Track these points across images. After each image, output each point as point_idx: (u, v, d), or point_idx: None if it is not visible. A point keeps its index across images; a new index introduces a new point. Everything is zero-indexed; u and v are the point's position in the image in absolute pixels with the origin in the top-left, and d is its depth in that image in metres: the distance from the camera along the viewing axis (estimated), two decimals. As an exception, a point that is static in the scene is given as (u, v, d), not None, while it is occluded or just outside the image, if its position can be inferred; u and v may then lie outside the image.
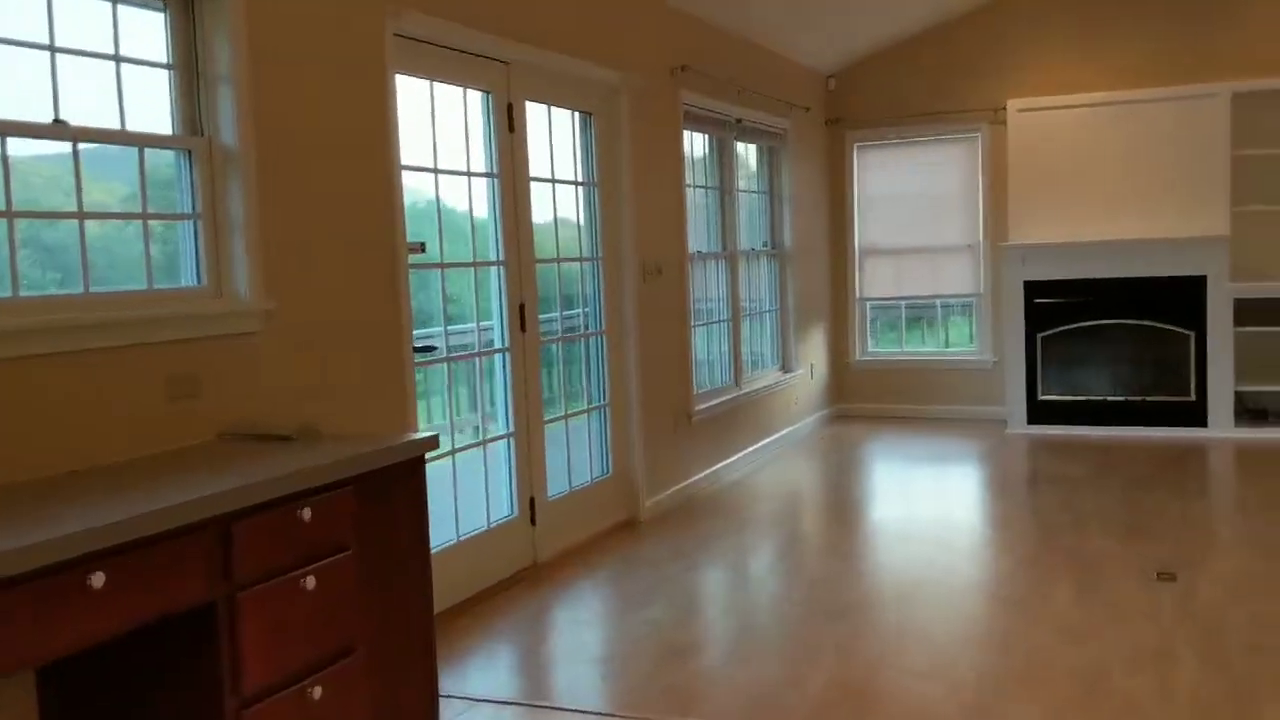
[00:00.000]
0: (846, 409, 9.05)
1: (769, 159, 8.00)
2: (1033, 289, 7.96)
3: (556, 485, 5.25)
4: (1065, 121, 8.04)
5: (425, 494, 3.10)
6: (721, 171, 7.16)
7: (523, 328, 4.94)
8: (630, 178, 5.73)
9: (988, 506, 6.04)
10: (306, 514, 2.60)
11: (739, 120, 7.21)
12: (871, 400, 8.98)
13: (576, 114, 5.50)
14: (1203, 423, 7.58)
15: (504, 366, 4.88)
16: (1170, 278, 7.61)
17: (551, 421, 5.21)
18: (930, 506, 6.05)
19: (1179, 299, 7.59)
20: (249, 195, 3.34)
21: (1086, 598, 4.29)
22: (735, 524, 5.69)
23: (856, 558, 5.05)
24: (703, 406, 6.58)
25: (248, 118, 3.33)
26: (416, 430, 4.08)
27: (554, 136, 5.30)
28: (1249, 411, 7.65)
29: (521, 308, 4.93)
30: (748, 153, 7.72)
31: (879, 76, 8.74)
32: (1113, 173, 7.94)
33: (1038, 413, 8.01)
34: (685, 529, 5.62)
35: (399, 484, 3.00)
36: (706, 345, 6.94)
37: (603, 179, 5.63)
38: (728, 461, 6.92)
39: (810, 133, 8.61)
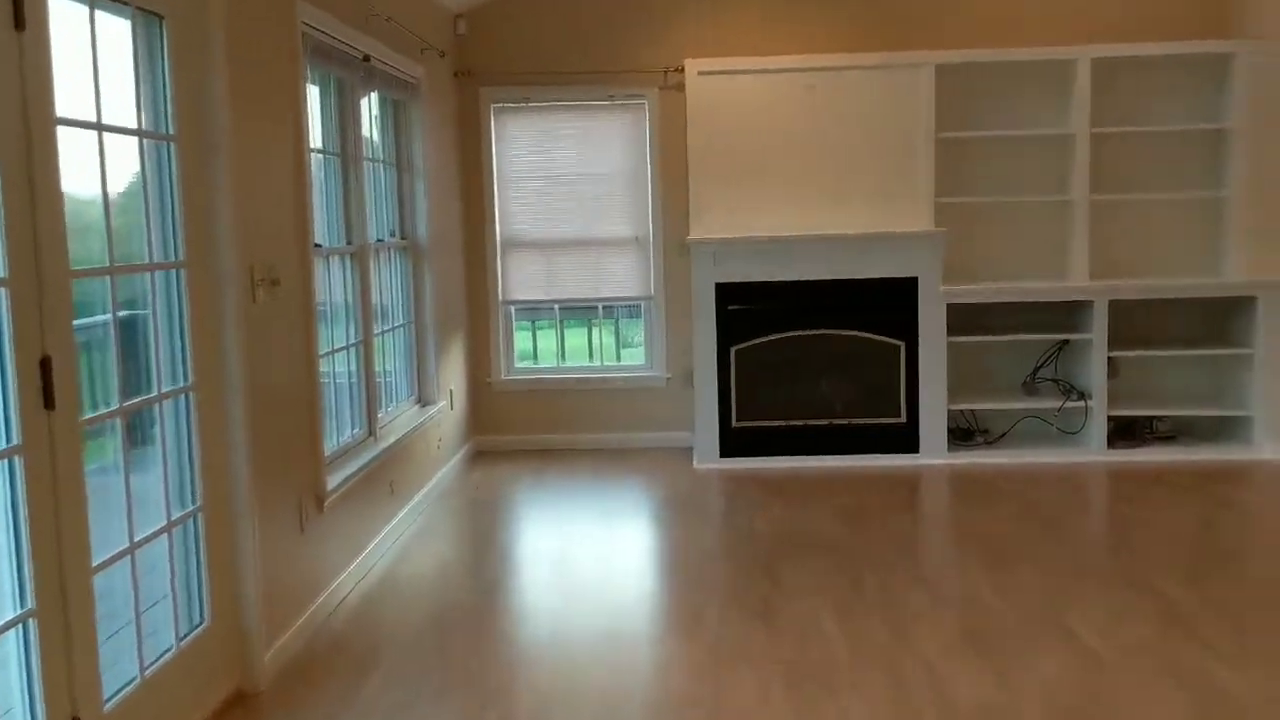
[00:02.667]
0: (490, 443, 7.22)
1: (396, 117, 5.96)
2: (725, 293, 6.57)
3: (116, 677, 3.00)
4: (755, 90, 6.72)
5: None
6: (345, 131, 5.05)
7: (49, 403, 2.65)
8: (229, 127, 3.53)
9: (672, 595, 4.47)
10: None
11: (368, 58, 5.12)
12: (521, 430, 7.22)
13: (137, 14, 3.21)
14: (914, 448, 6.59)
15: (9, 485, 2.57)
16: (880, 280, 6.53)
17: (104, 566, 2.93)
18: (599, 603, 4.36)
19: (889, 304, 6.53)
20: None
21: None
22: (381, 670, 3.70)
23: (512, 698, 3.29)
24: (337, 479, 4.49)
25: None
26: None
27: (99, 51, 3.00)
28: (955, 431, 6.78)
29: (46, 366, 2.63)
30: (371, 108, 5.63)
31: (521, 19, 6.96)
32: (812, 154, 6.74)
33: (732, 442, 6.65)
34: (320, 693, 3.56)
35: None
36: (332, 384, 4.83)
37: (183, 128, 3.38)
38: (369, 549, 4.87)
39: (444, 87, 6.65)
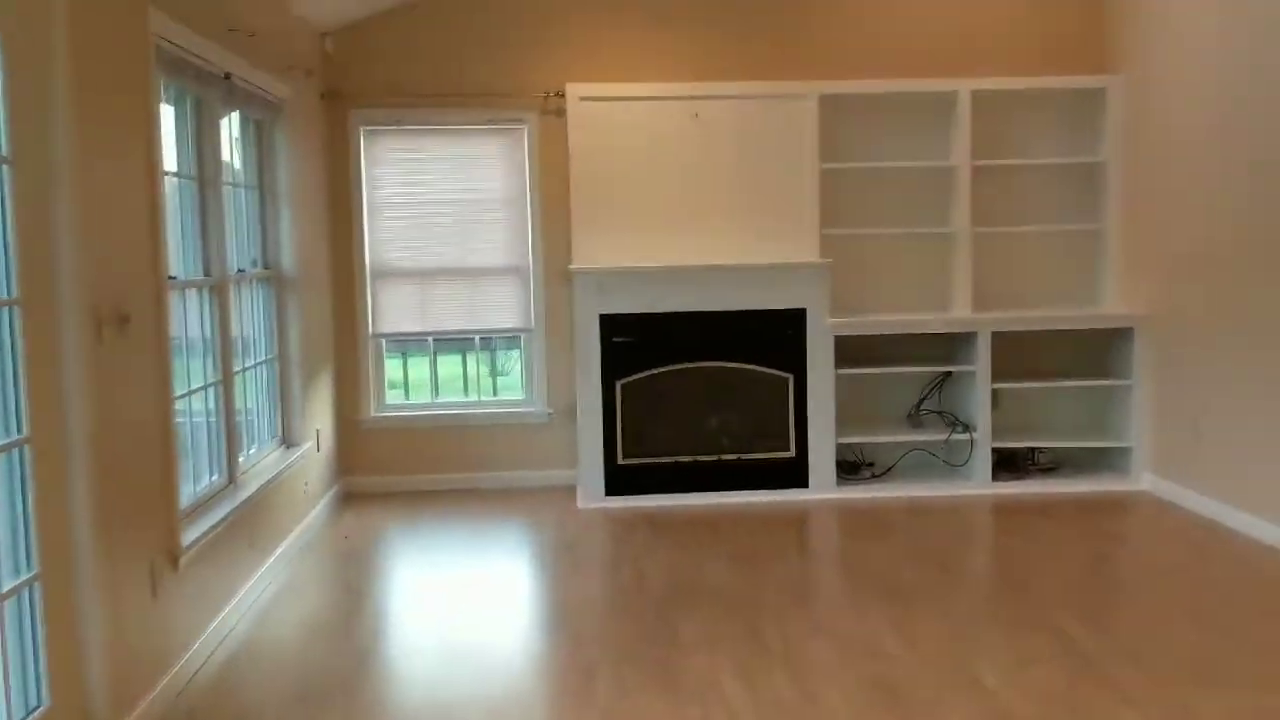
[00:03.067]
0: (361, 485, 6.84)
1: (259, 139, 5.60)
2: (610, 325, 6.37)
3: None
4: (639, 116, 6.56)
5: None
6: (203, 154, 4.68)
7: None
8: (72, 148, 3.17)
9: (561, 655, 4.22)
10: None
11: (228, 76, 4.77)
12: (394, 470, 6.87)
13: (-41, 19, 2.84)
14: (803, 482, 6.49)
15: None
16: (768, 311, 6.42)
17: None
18: (482, 667, 4.06)
19: (777, 337, 6.42)
20: None
21: None
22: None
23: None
24: (194, 534, 4.11)
25: None
26: None
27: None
28: (842, 464, 6.70)
29: None
30: (231, 129, 5.26)
31: (392, 39, 6.67)
32: (698, 183, 6.61)
33: (617, 480, 6.43)
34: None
35: None
36: (189, 427, 4.44)
37: (19, 150, 3.01)
38: (229, 609, 4.48)
39: (311, 108, 6.30)
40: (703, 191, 6.60)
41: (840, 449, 6.66)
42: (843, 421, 6.68)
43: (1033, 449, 6.73)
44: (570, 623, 4.44)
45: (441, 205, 6.79)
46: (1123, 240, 6.65)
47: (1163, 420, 6.30)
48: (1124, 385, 6.56)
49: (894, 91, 6.57)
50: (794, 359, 6.44)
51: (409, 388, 7.25)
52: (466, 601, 4.77)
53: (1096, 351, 6.85)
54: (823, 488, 6.48)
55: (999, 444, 6.55)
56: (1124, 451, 6.60)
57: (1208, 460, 5.82)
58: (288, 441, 5.79)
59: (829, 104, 6.67)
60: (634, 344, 6.37)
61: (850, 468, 6.77)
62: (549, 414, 6.88)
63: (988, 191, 6.79)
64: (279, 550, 5.27)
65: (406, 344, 7.06)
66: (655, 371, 6.41)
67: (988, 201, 6.80)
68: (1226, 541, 5.34)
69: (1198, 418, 5.88)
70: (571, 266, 6.38)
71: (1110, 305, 6.73)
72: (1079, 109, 6.84)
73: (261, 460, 5.32)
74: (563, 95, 6.64)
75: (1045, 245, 6.90)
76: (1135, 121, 6.48)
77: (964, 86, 6.55)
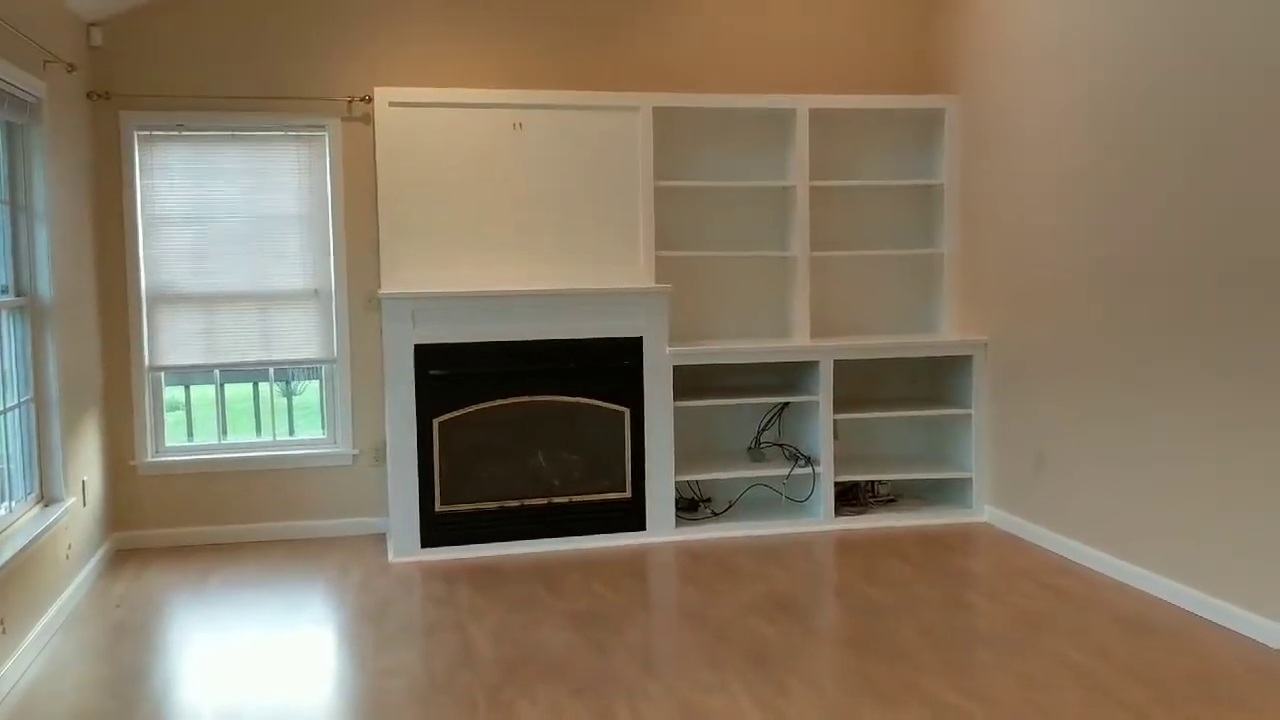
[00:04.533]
0: (137, 540, 6.07)
1: (9, 144, 4.82)
2: (426, 356, 5.83)
3: None
4: (457, 126, 6.05)
5: None
6: (-67, 160, 3.92)
7: None
8: None
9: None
10: None
11: (-34, 67, 4.03)
12: (176, 522, 6.12)
13: None
14: (641, 525, 6.11)
15: None
16: (602, 340, 6.01)
17: None
18: None
19: (612, 367, 6.02)
20: None
21: None
22: None
23: None
24: (-80, 631, 3.37)
25: None
26: None
27: None
28: (680, 502, 6.36)
29: None
30: (-28, 130, 4.50)
31: (173, 31, 5.96)
32: (523, 199, 6.15)
33: (435, 529, 5.89)
34: None
35: None
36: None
37: None
38: (-30, 716, 3.75)
39: (75, 109, 5.53)
40: (528, 209, 6.15)
41: (678, 485, 6.32)
42: (681, 456, 6.35)
43: (872, 481, 6.55)
44: (387, 712, 3.89)
45: (231, 221, 6.10)
46: (961, 265, 6.56)
47: (1002, 451, 6.21)
48: (963, 414, 6.46)
49: (730, 107, 6.29)
50: (630, 391, 6.05)
51: (193, 426, 6.51)
52: (263, 689, 4.15)
53: (937, 379, 6.76)
54: (662, 529, 6.11)
55: (840, 478, 6.33)
56: (964, 482, 6.50)
57: (1048, 492, 5.75)
58: (46, 498, 5.01)
59: (663, 117, 6.35)
60: (453, 377, 5.85)
61: (689, 505, 6.44)
62: (354, 455, 6.27)
63: (827, 213, 6.61)
64: (36, 629, 4.51)
65: (190, 374, 6.33)
66: (477, 407, 5.91)
67: (827, 224, 6.61)
68: (1076, 578, 5.24)
69: (1040, 449, 5.80)
70: (380, 291, 5.81)
71: (950, 332, 6.63)
72: (918, 130, 6.73)
73: (13, 523, 4.55)
74: (369, 100, 6.08)
75: (885, 270, 6.77)
76: (973, 144, 6.40)
77: (802, 104, 6.33)
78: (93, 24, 5.84)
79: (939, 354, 6.41)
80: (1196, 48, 4.61)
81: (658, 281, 6.29)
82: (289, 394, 6.73)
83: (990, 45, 6.17)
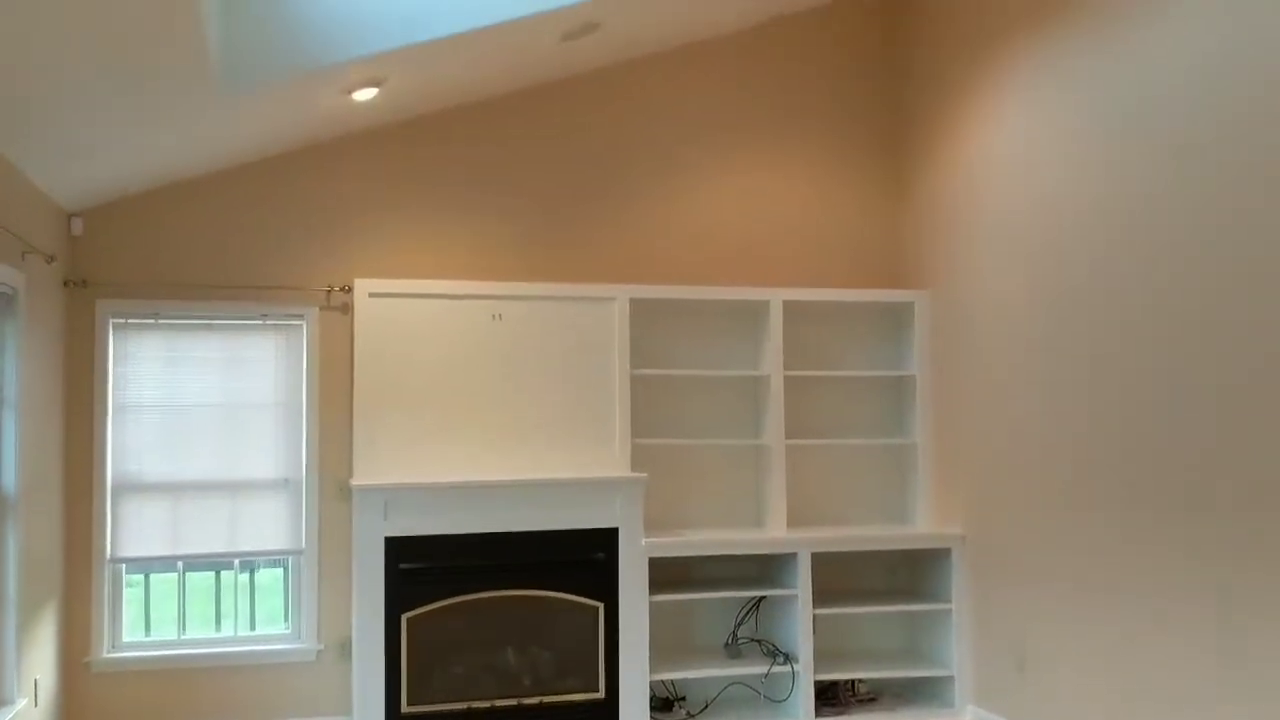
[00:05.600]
0: (85, 742, 5.84)
1: (-16, 335, 4.84)
2: (397, 548, 5.76)
3: None
4: (435, 316, 6.15)
5: None
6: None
7: None
8: None
9: None
10: None
11: (-51, 262, 4.08)
12: (128, 723, 5.90)
13: None
14: (614, 726, 5.95)
15: None
16: (576, 532, 5.98)
17: None
18: None
19: (586, 560, 5.97)
20: None
21: None
22: None
23: None
24: None
25: None
26: None
27: None
28: (654, 700, 6.21)
29: None
30: (-51, 321, 4.52)
31: (154, 221, 6.08)
32: (500, 390, 6.20)
33: (401, 730, 5.71)
34: None
35: None
36: None
37: None
38: None
39: (51, 298, 5.58)
40: (504, 398, 6.19)
41: (652, 684, 6.18)
42: (656, 650, 6.24)
43: (852, 679, 6.44)
44: None
45: (202, 409, 6.09)
46: (936, 456, 6.62)
47: (984, 648, 6.14)
48: (943, 609, 6.40)
49: (706, 298, 6.43)
50: (605, 585, 5.98)
51: (150, 619, 6.33)
52: None
53: (916, 572, 6.72)
54: (635, 731, 5.95)
55: (820, 676, 6.22)
56: (946, 680, 6.40)
57: (1033, 692, 5.66)
58: (-6, 700, 4.84)
59: (639, 308, 6.48)
60: (424, 570, 5.78)
61: (663, 705, 6.29)
62: (318, 650, 6.11)
63: (801, 402, 6.69)
64: (-27, 847, 4.29)
65: (150, 563, 6.20)
66: (448, 602, 5.81)
67: (802, 412, 6.69)
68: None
69: (1022, 649, 5.74)
70: (352, 482, 5.77)
71: (927, 523, 6.64)
72: (890, 322, 6.89)
73: (-43, 730, 4.38)
74: (349, 290, 6.18)
75: (861, 459, 6.81)
76: (943, 336, 6.55)
77: (776, 296, 6.49)
78: (74, 214, 5.94)
79: (917, 546, 6.40)
80: (1161, 230, 4.78)
81: (634, 468, 6.30)
82: (252, 584, 6.58)
83: (957, 241, 6.39)
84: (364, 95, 5.48)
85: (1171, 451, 4.72)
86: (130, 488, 6.02)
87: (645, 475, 6.09)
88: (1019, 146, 5.78)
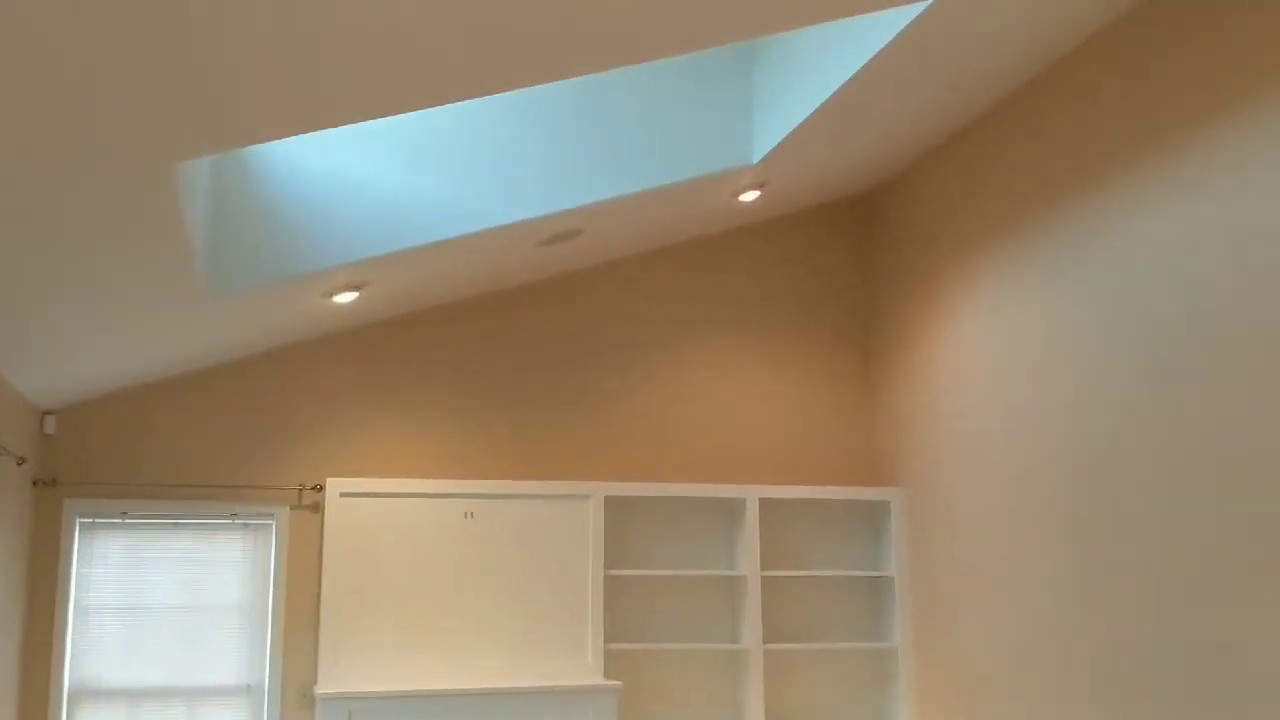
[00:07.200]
0: None
1: (-51, 539, 4.82)
2: (363, 760, 5.62)
3: None
4: (406, 515, 6.17)
5: None
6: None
7: None
8: None
9: None
10: None
11: (-78, 470, 4.10)
12: None
13: None
14: None
15: None
16: (548, 742, 5.85)
17: None
18: None
19: (557, 772, 5.83)
20: None
21: None
22: None
23: None
24: None
25: None
26: None
27: None
28: None
29: None
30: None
31: (127, 421, 6.13)
32: (472, 591, 6.18)
33: None
34: None
35: None
36: None
37: None
38: None
39: (18, 497, 5.57)
40: (475, 601, 6.16)
41: None
42: None
43: None
44: None
45: (165, 611, 6.02)
46: (915, 660, 6.58)
47: None
48: (929, 820, 6.26)
49: (681, 496, 6.48)
50: (576, 798, 5.83)
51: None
52: None
53: (898, 781, 6.59)
54: None
55: None
56: None
57: None
58: None
59: (614, 505, 6.52)
60: (390, 783, 5.62)
61: None
62: None
63: (780, 603, 6.67)
64: None
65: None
66: (414, 817, 5.64)
67: (780, 614, 6.66)
68: None
69: None
70: (317, 689, 5.68)
71: (909, 730, 6.55)
72: (867, 520, 6.94)
73: None
74: (321, 489, 6.21)
75: (840, 665, 6.75)
76: (920, 536, 6.60)
77: (752, 494, 6.55)
78: (48, 411, 5.99)
79: (899, 754, 6.30)
80: (1136, 420, 4.90)
81: (607, 675, 6.22)
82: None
83: (930, 440, 6.51)
84: (345, 299, 5.63)
85: (1167, 650, 4.73)
86: (88, 693, 5.89)
87: (619, 683, 6.02)
88: (989, 347, 5.97)
